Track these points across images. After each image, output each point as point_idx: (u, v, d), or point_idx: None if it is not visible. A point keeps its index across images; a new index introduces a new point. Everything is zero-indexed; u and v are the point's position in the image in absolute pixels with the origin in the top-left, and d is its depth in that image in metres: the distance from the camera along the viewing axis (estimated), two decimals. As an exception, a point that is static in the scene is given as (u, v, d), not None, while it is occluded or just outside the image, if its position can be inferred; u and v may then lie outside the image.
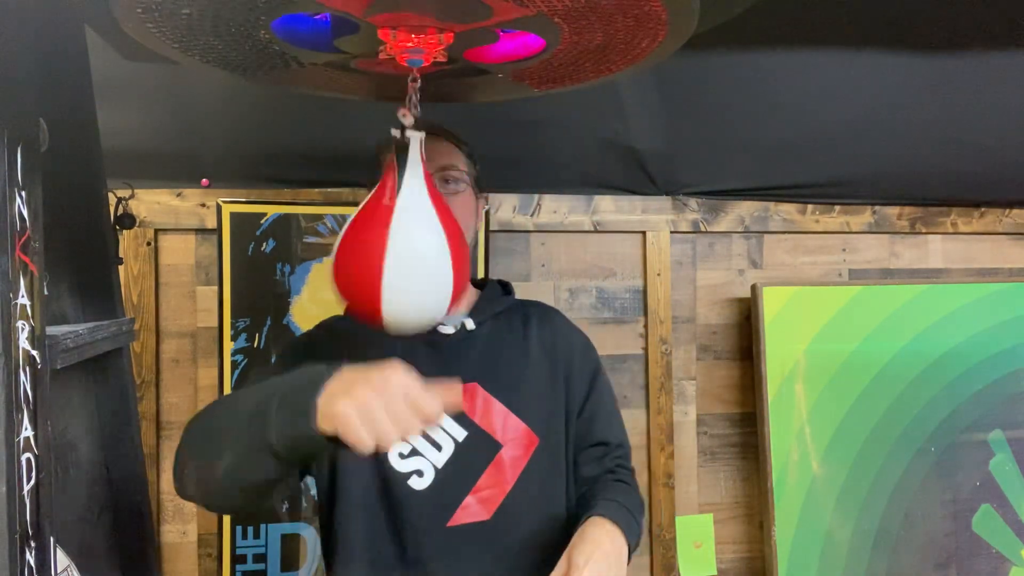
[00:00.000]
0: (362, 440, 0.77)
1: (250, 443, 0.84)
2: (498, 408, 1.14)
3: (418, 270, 0.96)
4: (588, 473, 1.19)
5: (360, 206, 1.01)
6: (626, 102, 1.76)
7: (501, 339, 1.20)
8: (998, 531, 2.13)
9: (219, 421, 0.93)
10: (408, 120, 0.99)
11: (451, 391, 0.84)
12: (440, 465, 1.12)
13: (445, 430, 1.13)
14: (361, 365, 0.84)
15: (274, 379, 0.90)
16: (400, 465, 1.12)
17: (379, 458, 1.12)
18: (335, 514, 1.15)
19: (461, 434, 1.13)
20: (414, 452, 1.12)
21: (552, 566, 1.11)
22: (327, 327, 1.25)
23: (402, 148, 1.00)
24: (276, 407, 0.83)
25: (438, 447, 1.13)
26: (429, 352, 1.17)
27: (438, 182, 1.14)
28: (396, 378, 0.80)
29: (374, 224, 0.96)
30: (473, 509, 1.11)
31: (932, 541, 2.09)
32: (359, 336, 1.13)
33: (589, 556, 0.93)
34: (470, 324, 1.19)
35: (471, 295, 1.25)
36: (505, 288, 1.30)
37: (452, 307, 1.03)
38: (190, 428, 0.98)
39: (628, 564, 1.00)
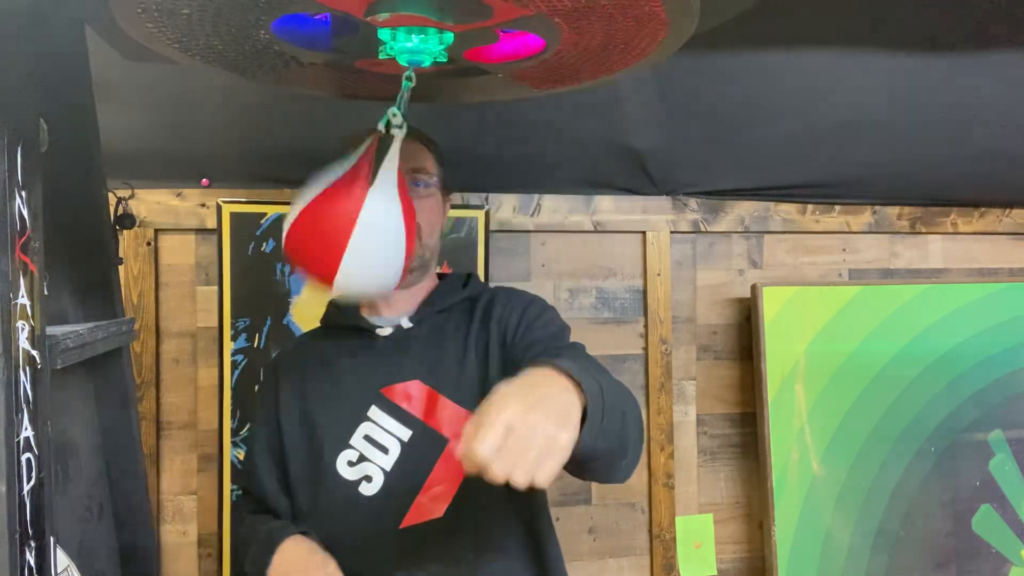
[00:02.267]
0: None
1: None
2: (443, 402, 1.13)
3: (379, 243, 1.02)
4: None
5: (330, 181, 1.07)
6: (626, 102, 1.76)
7: (443, 333, 1.18)
8: (998, 531, 2.13)
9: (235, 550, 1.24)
10: (398, 121, 1.04)
11: None
12: (388, 468, 1.11)
13: (389, 431, 1.12)
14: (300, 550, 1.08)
15: (250, 527, 1.17)
16: (348, 473, 1.12)
17: (327, 470, 1.12)
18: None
19: (406, 434, 1.12)
20: (362, 458, 1.12)
21: (511, 556, 1.11)
22: (287, 351, 1.33)
23: (385, 144, 1.05)
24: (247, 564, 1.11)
25: (384, 450, 1.12)
26: (369, 353, 1.17)
27: (408, 182, 1.16)
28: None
29: (348, 198, 1.02)
30: (425, 508, 1.10)
31: (932, 541, 2.09)
32: (310, 351, 1.24)
33: (505, 401, 0.74)
34: (406, 323, 1.18)
35: (421, 292, 1.24)
36: (467, 282, 1.27)
37: (397, 287, 1.10)
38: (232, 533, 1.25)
39: (583, 424, 0.79)
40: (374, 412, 1.13)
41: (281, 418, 1.19)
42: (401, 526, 1.09)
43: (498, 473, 0.72)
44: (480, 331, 1.18)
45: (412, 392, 1.13)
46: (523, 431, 0.72)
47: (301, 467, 1.16)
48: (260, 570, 1.07)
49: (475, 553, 1.09)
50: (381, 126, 1.05)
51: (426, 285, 1.25)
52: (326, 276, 1.02)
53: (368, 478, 1.11)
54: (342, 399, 1.15)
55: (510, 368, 1.07)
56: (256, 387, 1.33)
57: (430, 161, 1.22)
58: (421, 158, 1.21)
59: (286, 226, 1.07)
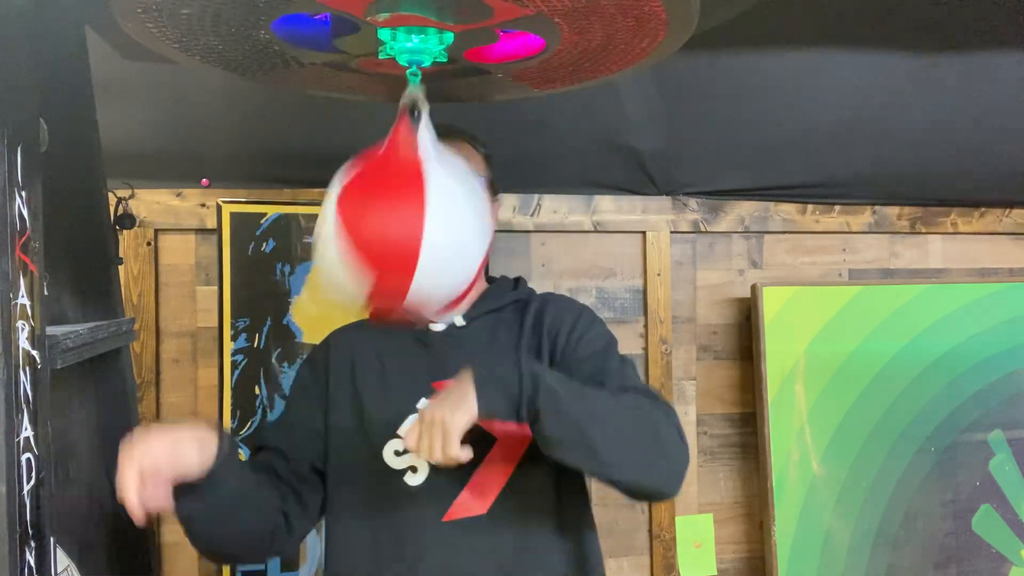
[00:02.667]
0: None
1: None
2: None
3: (458, 235, 0.96)
4: None
5: (356, 164, 0.98)
6: (626, 102, 1.76)
7: (494, 334, 1.19)
8: (998, 531, 2.13)
9: None
10: (416, 94, 0.98)
11: None
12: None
13: None
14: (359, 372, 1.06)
15: None
16: (395, 462, 1.12)
17: (374, 456, 1.12)
18: (335, 513, 1.16)
19: None
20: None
21: (552, 556, 1.11)
22: (339, 332, 1.29)
23: (413, 107, 0.98)
24: None
25: None
26: (420, 350, 1.17)
27: None
28: None
29: (401, 178, 0.94)
30: (469, 504, 1.10)
31: (932, 541, 2.09)
32: (363, 337, 1.22)
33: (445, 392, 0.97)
34: (459, 321, 1.19)
35: (474, 292, 1.25)
36: (517, 284, 1.29)
37: (466, 292, 1.05)
38: None
39: (479, 400, 0.96)
40: (424, 405, 1.14)
41: (331, 394, 1.19)
42: (444, 519, 1.10)
43: (425, 458, 0.96)
44: (532, 339, 1.19)
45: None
46: (428, 424, 0.94)
47: (347, 447, 1.16)
48: None
49: (516, 552, 1.10)
50: (405, 101, 0.98)
51: (477, 285, 1.25)
52: (395, 298, 0.97)
53: (414, 469, 1.12)
54: (393, 388, 1.16)
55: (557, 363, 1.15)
56: (306, 360, 1.29)
57: (478, 162, 1.21)
58: (469, 159, 1.18)
59: (330, 250, 0.99)
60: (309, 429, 1.18)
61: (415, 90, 1.00)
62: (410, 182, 0.94)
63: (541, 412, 0.96)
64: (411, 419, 1.13)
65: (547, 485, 1.14)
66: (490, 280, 1.30)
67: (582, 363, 1.14)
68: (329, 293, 1.05)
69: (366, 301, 1.00)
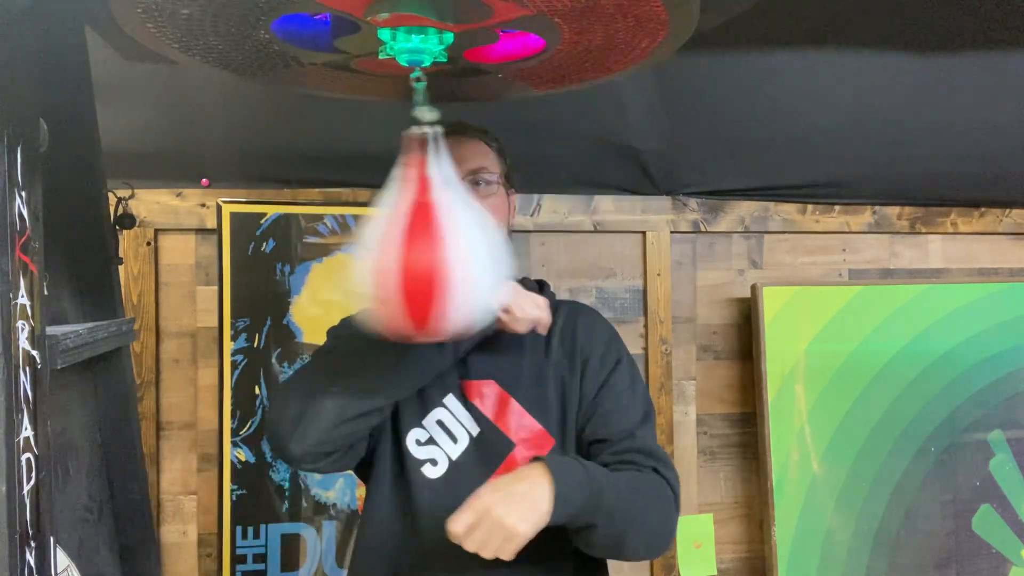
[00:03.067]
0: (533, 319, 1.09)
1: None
2: (514, 407, 1.15)
3: (476, 267, 0.98)
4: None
5: (395, 226, 0.96)
6: (626, 102, 1.76)
7: (523, 339, 1.19)
8: (998, 531, 2.13)
9: (377, 348, 1.07)
10: (430, 116, 0.97)
11: None
12: (454, 457, 1.13)
13: (461, 423, 1.14)
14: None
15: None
16: (417, 451, 1.14)
17: (399, 442, 1.14)
18: (368, 498, 1.18)
19: (475, 429, 1.14)
20: (431, 440, 1.14)
21: (561, 561, 1.12)
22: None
23: (422, 143, 0.98)
24: None
25: (454, 439, 1.14)
26: (451, 348, 1.16)
27: (469, 185, 1.14)
28: None
29: (421, 227, 0.95)
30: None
31: (932, 541, 2.09)
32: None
33: (486, 494, 0.93)
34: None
35: None
36: (541, 287, 1.29)
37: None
38: (323, 373, 1.12)
39: (552, 512, 0.94)
40: (450, 400, 1.16)
41: None
42: None
43: (468, 548, 0.92)
44: (560, 355, 1.19)
45: (486, 391, 1.15)
46: (490, 522, 0.91)
47: (382, 427, 1.16)
48: None
49: (528, 551, 1.10)
50: (416, 129, 0.97)
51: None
52: (431, 330, 0.97)
53: (434, 461, 1.13)
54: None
55: (584, 410, 1.17)
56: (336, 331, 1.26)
57: (490, 158, 1.21)
58: (480, 156, 1.19)
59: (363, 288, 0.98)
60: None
61: (425, 113, 0.98)
62: (423, 220, 0.95)
63: (596, 527, 0.99)
64: (436, 412, 1.14)
65: None
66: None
67: (609, 415, 1.16)
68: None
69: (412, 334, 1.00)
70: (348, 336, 1.15)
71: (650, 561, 2.04)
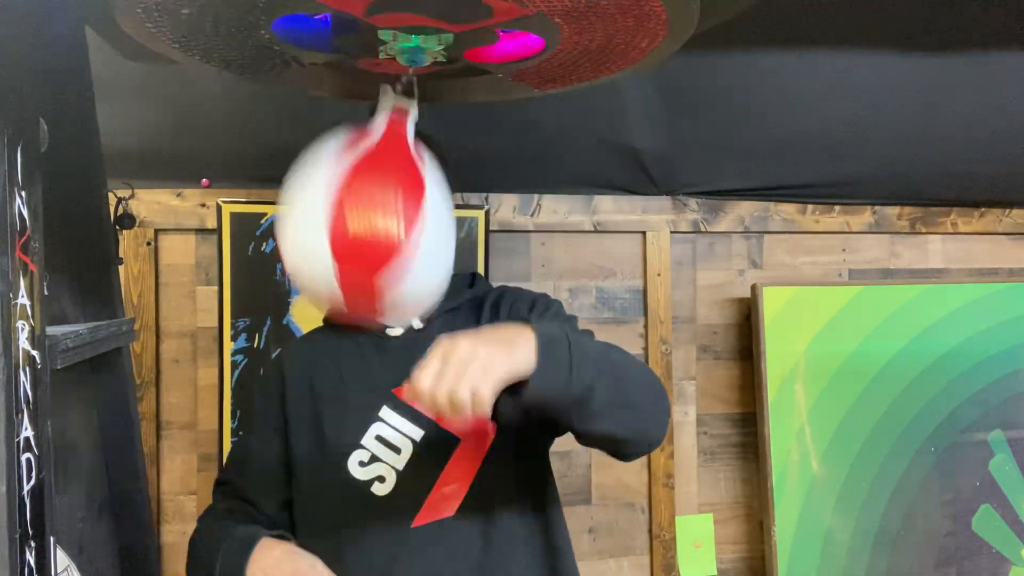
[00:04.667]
0: None
1: None
2: None
3: (444, 241, 0.96)
4: None
5: (350, 152, 0.97)
6: (626, 102, 1.76)
7: (452, 332, 1.18)
8: (998, 531, 2.13)
9: (197, 558, 1.15)
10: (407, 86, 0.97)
11: None
12: (401, 467, 1.11)
13: (401, 431, 1.12)
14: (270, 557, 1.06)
15: (222, 532, 1.11)
16: (360, 473, 1.11)
17: (339, 470, 1.11)
18: (303, 534, 1.15)
19: (418, 433, 1.11)
20: (373, 458, 1.11)
21: (523, 553, 1.11)
22: (291, 349, 1.30)
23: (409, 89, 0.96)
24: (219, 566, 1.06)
25: (397, 450, 1.11)
26: (379, 356, 1.16)
27: None
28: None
29: (406, 179, 0.94)
30: (437, 507, 1.10)
31: (932, 541, 2.09)
32: (317, 350, 1.21)
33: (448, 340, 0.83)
34: (417, 323, 1.17)
35: None
36: (473, 281, 1.27)
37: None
38: (190, 547, 1.19)
39: (537, 361, 0.84)
40: (386, 412, 1.13)
41: (289, 414, 1.17)
42: (413, 525, 1.09)
43: (440, 396, 0.79)
44: None
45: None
46: (459, 355, 0.80)
47: (309, 466, 1.15)
48: (234, 570, 1.05)
49: (487, 550, 1.09)
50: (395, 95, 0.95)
51: None
52: (374, 296, 0.95)
53: (381, 478, 1.11)
54: (352, 399, 1.14)
55: None
56: (257, 384, 1.29)
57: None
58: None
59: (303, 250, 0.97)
60: (270, 463, 1.17)
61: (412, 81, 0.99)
62: (415, 185, 0.94)
63: (594, 388, 0.88)
64: (373, 428, 1.12)
65: (511, 477, 1.13)
66: None
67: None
68: (297, 276, 1.04)
69: (339, 295, 0.99)
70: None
71: (650, 560, 2.04)
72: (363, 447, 1.12)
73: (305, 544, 1.12)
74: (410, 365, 1.11)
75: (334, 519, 1.12)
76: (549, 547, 1.15)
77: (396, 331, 1.17)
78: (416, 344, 1.15)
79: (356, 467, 1.11)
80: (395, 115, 1.01)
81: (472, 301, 1.23)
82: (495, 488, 1.12)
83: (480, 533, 1.10)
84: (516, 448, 1.14)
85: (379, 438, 1.12)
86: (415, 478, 1.10)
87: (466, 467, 1.11)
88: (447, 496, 1.10)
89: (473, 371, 0.79)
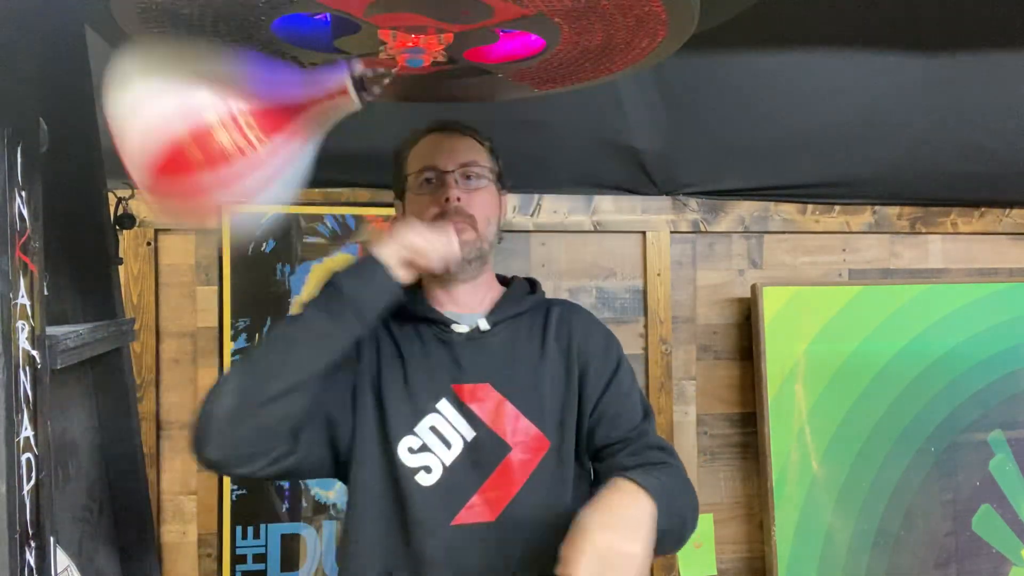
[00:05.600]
0: (437, 249, 1.05)
1: (329, 316, 1.02)
2: (509, 410, 1.14)
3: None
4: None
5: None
6: (626, 102, 1.76)
7: (517, 340, 1.19)
8: (998, 531, 2.13)
9: (280, 332, 1.05)
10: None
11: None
12: (448, 463, 1.12)
13: (455, 427, 1.13)
14: None
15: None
16: (409, 460, 1.12)
17: (389, 452, 1.12)
18: (352, 506, 1.15)
19: (471, 434, 1.13)
20: (424, 448, 1.12)
21: (553, 568, 1.12)
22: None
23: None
24: (344, 280, 1.03)
25: (448, 444, 1.12)
26: (442, 349, 1.17)
27: (459, 178, 1.17)
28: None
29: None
30: (478, 509, 1.10)
31: (932, 541, 2.09)
32: (380, 340, 1.19)
33: (592, 529, 0.91)
34: (484, 325, 1.18)
35: (494, 293, 1.24)
36: (533, 286, 1.29)
37: (461, 279, 1.17)
38: (235, 367, 1.05)
39: (665, 547, 0.98)
40: (443, 405, 1.13)
41: (358, 380, 1.16)
42: (452, 523, 1.10)
43: None
44: (557, 354, 1.19)
45: (481, 395, 1.14)
46: (609, 556, 0.88)
47: (366, 441, 1.14)
48: (363, 272, 1.04)
49: (522, 559, 1.10)
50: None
51: (490, 282, 1.25)
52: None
53: (427, 468, 1.11)
54: (413, 385, 1.15)
55: (587, 410, 1.17)
56: None
57: (482, 154, 1.22)
58: (472, 151, 1.20)
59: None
60: (342, 387, 1.14)
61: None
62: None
63: (669, 529, 0.99)
64: (429, 418, 1.12)
65: (556, 492, 1.15)
66: (503, 282, 1.29)
67: (619, 417, 1.17)
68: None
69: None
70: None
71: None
72: (415, 434, 1.12)
73: (355, 517, 1.12)
74: (471, 362, 1.15)
75: (381, 500, 1.12)
76: None
77: (462, 328, 1.18)
78: (479, 342, 1.17)
79: (405, 452, 1.12)
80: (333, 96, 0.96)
81: (535, 309, 1.24)
82: (539, 501, 1.12)
83: (518, 543, 1.11)
84: (566, 467, 1.16)
85: (433, 429, 1.13)
86: (462, 477, 1.11)
87: (513, 476, 1.12)
88: (490, 500, 1.11)
89: (619, 569, 0.89)
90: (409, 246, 1.04)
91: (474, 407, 1.13)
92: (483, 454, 1.12)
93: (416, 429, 1.13)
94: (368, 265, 1.04)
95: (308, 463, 1.10)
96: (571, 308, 1.26)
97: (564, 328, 1.21)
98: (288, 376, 0.99)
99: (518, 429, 1.13)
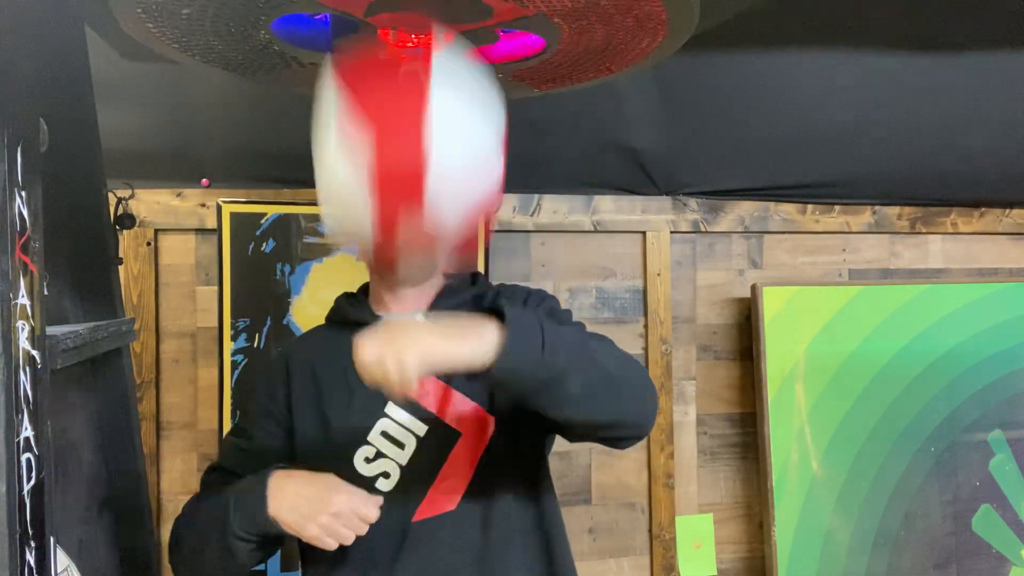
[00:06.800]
0: (328, 545, 1.00)
1: (221, 544, 1.03)
2: (455, 396, 1.13)
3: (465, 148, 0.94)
4: None
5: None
6: (626, 102, 1.76)
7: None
8: (998, 531, 2.13)
9: (194, 528, 1.12)
10: None
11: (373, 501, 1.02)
12: (404, 463, 1.12)
13: (405, 427, 1.12)
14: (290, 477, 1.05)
15: (220, 496, 1.07)
16: (366, 470, 1.11)
17: (344, 466, 1.11)
18: None
19: (422, 429, 1.12)
20: (379, 454, 1.12)
21: (521, 547, 1.11)
22: (294, 345, 1.32)
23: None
24: (233, 517, 1.02)
25: (401, 445, 1.12)
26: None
27: None
28: (339, 498, 1.01)
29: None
30: (438, 501, 1.11)
31: (932, 541, 2.09)
32: (320, 346, 1.21)
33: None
34: (420, 319, 1.17)
35: (431, 289, 1.22)
36: (474, 279, 1.27)
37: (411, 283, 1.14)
38: (176, 527, 1.15)
39: (502, 346, 0.88)
40: (391, 408, 1.13)
41: (294, 408, 1.17)
42: (414, 519, 1.10)
43: (372, 365, 0.85)
44: None
45: (426, 387, 1.14)
46: (401, 334, 0.86)
47: (315, 462, 1.13)
48: (251, 514, 1.02)
49: (486, 543, 1.10)
50: None
51: (435, 282, 1.24)
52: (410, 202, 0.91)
53: (386, 474, 1.12)
54: (358, 393, 1.14)
55: None
56: (258, 380, 1.28)
57: None
58: None
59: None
60: (271, 454, 1.16)
61: None
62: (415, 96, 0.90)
63: (568, 372, 0.90)
64: (379, 424, 1.12)
65: (509, 471, 1.14)
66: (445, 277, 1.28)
67: None
68: (336, 215, 1.00)
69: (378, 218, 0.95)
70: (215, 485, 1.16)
71: (650, 560, 2.04)
72: (369, 443, 1.12)
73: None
74: None
75: None
76: (546, 539, 1.16)
77: None
78: None
79: (362, 463, 1.12)
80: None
81: (473, 300, 1.23)
82: (494, 482, 1.12)
83: (480, 526, 1.11)
84: (515, 442, 1.15)
85: (384, 434, 1.13)
86: (418, 473, 1.11)
87: (466, 461, 1.11)
88: (448, 490, 1.11)
89: (406, 349, 0.84)
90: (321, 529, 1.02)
91: (421, 400, 1.12)
92: (434, 446, 1.11)
93: (369, 438, 1.12)
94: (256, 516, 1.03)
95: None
96: (502, 287, 1.25)
97: (500, 304, 1.20)
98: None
99: (464, 413, 1.12)
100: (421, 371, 0.85)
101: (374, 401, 1.13)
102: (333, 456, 1.13)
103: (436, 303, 1.20)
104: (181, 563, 1.13)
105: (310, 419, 1.16)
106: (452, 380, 1.14)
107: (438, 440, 1.12)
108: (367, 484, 1.10)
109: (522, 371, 0.88)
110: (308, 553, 1.16)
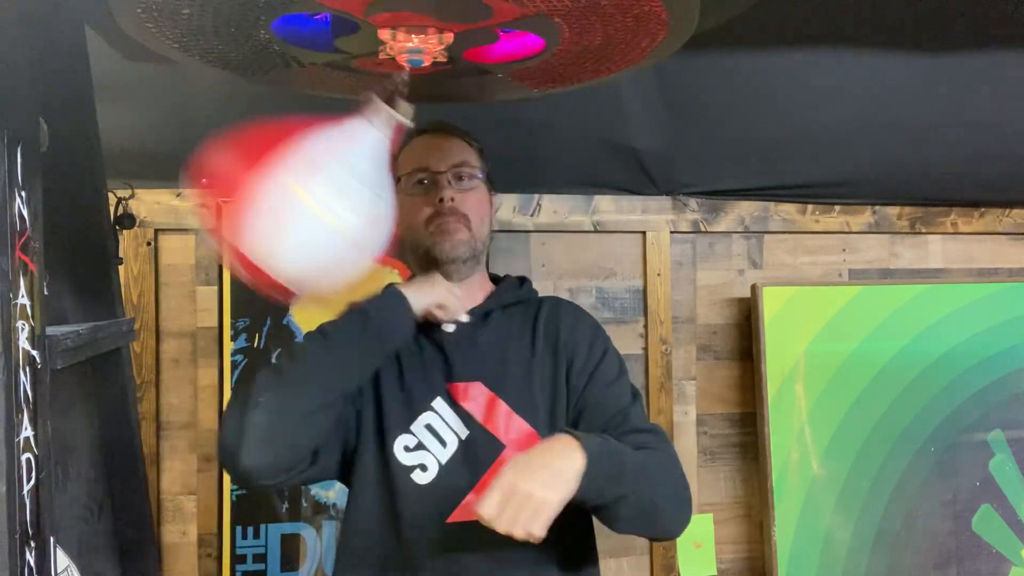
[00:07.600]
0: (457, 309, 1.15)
1: (361, 342, 1.09)
2: (502, 408, 1.14)
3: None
4: None
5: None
6: (626, 102, 1.76)
7: (507, 338, 1.20)
8: (998, 531, 2.13)
9: (311, 351, 1.11)
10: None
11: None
12: (444, 461, 1.13)
13: (450, 426, 1.14)
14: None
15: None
16: (405, 458, 1.13)
17: (385, 451, 1.13)
18: (349, 505, 1.16)
19: (465, 432, 1.14)
20: (419, 446, 1.13)
21: (552, 561, 1.12)
22: None
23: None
24: (375, 312, 1.10)
25: (443, 442, 1.13)
26: (434, 349, 1.18)
27: (452, 179, 1.18)
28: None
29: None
30: (474, 507, 1.11)
31: (932, 541, 2.09)
32: None
33: (509, 470, 0.92)
34: (464, 317, 1.19)
35: (486, 291, 1.25)
36: (522, 283, 1.29)
37: (455, 278, 1.18)
38: (243, 384, 1.17)
39: (580, 478, 0.94)
40: (438, 404, 1.15)
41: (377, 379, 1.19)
42: (448, 521, 1.11)
43: (500, 529, 0.90)
44: (545, 351, 1.19)
45: (474, 393, 1.15)
46: (518, 497, 0.90)
47: (366, 441, 1.16)
48: (392, 301, 1.11)
49: (517, 553, 1.10)
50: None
51: (482, 280, 1.26)
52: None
53: (423, 467, 1.13)
54: (409, 387, 1.16)
55: (574, 405, 1.18)
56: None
57: (472, 155, 1.23)
58: (462, 152, 1.22)
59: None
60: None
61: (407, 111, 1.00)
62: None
63: (626, 496, 0.99)
64: (424, 416, 1.14)
65: None
66: (496, 281, 1.30)
67: (601, 404, 1.16)
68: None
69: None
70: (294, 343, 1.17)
71: (650, 560, 2.04)
72: (411, 432, 1.13)
73: (354, 510, 1.14)
74: (463, 361, 1.17)
75: (378, 499, 1.13)
76: (580, 561, 1.16)
77: (451, 328, 1.19)
78: (470, 340, 1.18)
79: (401, 451, 1.13)
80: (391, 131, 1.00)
81: (526, 304, 1.25)
82: None
83: (514, 540, 1.11)
84: None
85: (428, 427, 1.14)
86: (457, 475, 1.12)
87: None
88: None
89: (527, 515, 0.89)
90: (438, 302, 1.13)
91: (467, 405, 1.14)
92: (478, 452, 1.13)
93: (412, 427, 1.13)
94: (398, 303, 1.11)
95: (325, 472, 1.14)
96: (559, 303, 1.27)
97: (552, 324, 1.22)
98: (323, 395, 1.05)
99: (511, 427, 1.14)
100: (545, 528, 0.91)
101: (422, 394, 1.16)
102: (378, 440, 1.15)
103: (485, 305, 1.22)
104: (260, 406, 1.02)
105: (368, 398, 1.17)
106: (501, 392, 1.16)
107: (480, 447, 1.13)
108: (403, 472, 1.12)
109: (587, 497, 0.96)
110: (345, 536, 1.17)
